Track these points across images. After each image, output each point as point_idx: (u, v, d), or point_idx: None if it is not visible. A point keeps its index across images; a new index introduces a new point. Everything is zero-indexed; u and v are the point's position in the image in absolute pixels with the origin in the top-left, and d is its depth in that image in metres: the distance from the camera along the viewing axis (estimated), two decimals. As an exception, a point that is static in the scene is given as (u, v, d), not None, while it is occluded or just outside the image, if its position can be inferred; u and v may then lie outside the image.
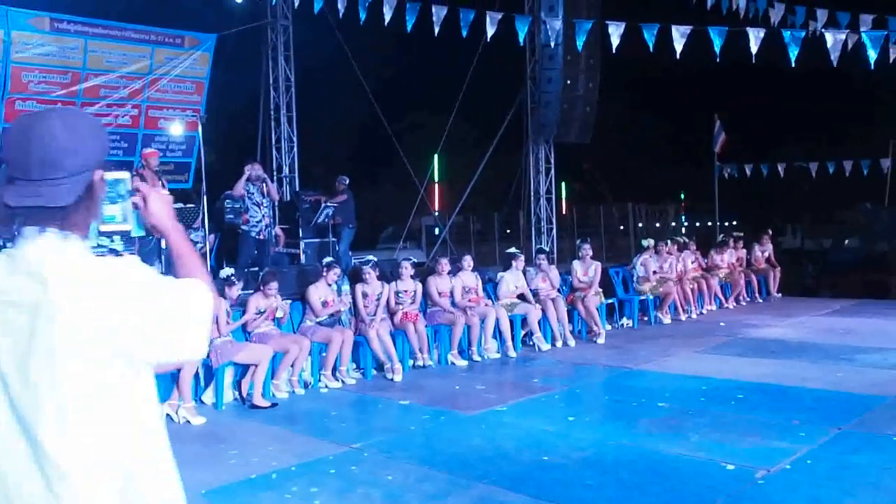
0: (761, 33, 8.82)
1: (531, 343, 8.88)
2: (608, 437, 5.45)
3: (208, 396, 6.77)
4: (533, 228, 14.62)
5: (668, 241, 11.26)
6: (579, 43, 9.89)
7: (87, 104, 11.86)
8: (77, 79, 11.68)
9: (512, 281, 9.11)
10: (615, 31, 9.00)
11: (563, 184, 21.84)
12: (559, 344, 9.00)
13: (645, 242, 10.93)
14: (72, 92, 11.69)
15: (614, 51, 9.23)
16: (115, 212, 1.61)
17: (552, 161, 14.54)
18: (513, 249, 9.64)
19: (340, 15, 9.57)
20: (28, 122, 1.50)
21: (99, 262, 1.50)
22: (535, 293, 9.29)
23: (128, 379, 1.49)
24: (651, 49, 8.93)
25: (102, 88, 11.96)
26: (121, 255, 1.65)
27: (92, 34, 11.73)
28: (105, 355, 1.44)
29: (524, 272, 9.28)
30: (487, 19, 9.26)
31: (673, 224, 27.39)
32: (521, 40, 9.98)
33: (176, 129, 12.62)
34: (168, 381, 6.47)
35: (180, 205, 8.40)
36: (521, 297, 9.15)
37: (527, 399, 6.68)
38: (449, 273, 8.59)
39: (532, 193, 14.54)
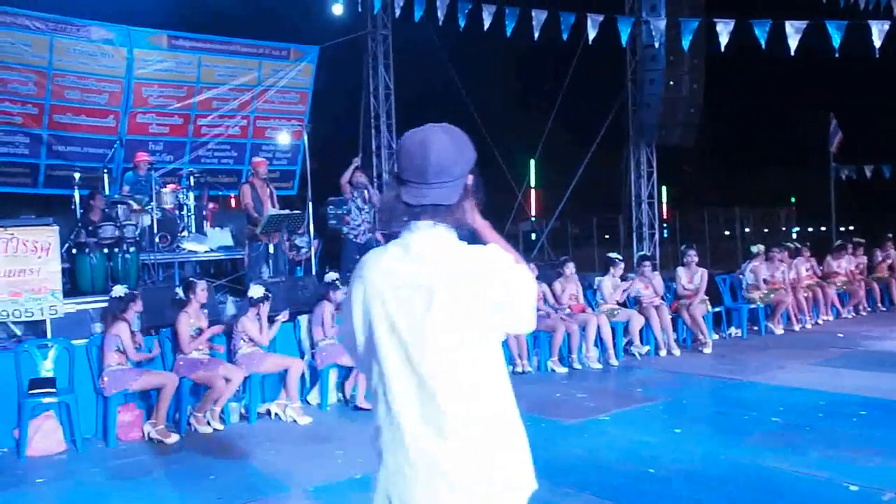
0: (885, 26, 8.33)
1: (633, 351, 8.69)
2: (716, 451, 5.25)
3: (314, 397, 6.95)
4: (634, 234, 14.32)
5: (780, 247, 10.79)
6: (685, 42, 9.62)
7: (201, 116, 12.48)
8: (192, 92, 12.28)
9: (612, 287, 8.95)
10: (723, 29, 8.70)
11: (665, 187, 21.27)
12: (663, 353, 8.77)
13: (755, 248, 10.48)
14: (187, 105, 12.30)
15: (722, 49, 8.93)
16: None
17: (654, 164, 14.21)
18: (613, 254, 9.45)
19: (440, 22, 9.66)
20: (421, 137, 1.86)
21: (473, 250, 1.87)
22: (638, 300, 9.09)
23: (488, 342, 1.86)
24: (763, 46, 8.58)
25: (214, 101, 12.54)
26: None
27: (205, 49, 12.31)
28: (475, 324, 1.81)
29: (623, 278, 9.09)
30: (588, 21, 9.15)
31: (783, 229, 26.22)
32: (623, 42, 9.81)
33: (283, 138, 13.08)
34: (276, 382, 6.69)
35: (287, 211, 8.65)
36: (623, 303, 8.98)
37: (629, 409, 6.54)
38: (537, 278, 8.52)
39: (633, 198, 14.25)
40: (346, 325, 2.01)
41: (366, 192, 9.43)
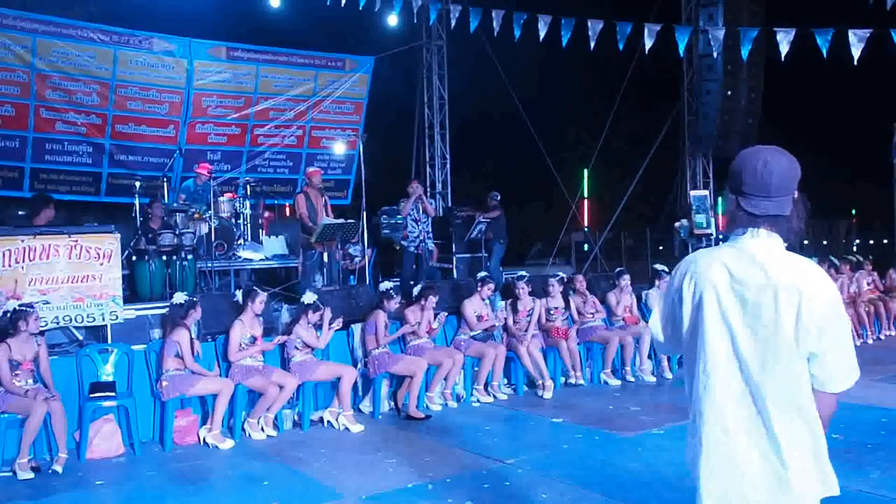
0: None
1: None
2: (777, 468, 5.09)
3: (366, 405, 6.98)
4: (689, 246, 14.05)
5: (840, 260, 10.48)
6: (744, 52, 9.43)
7: (258, 126, 12.70)
8: (249, 102, 12.52)
9: (659, 299, 8.77)
10: (784, 38, 8.51)
11: (720, 198, 20.89)
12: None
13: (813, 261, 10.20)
14: (244, 115, 12.54)
15: (783, 58, 8.73)
16: (701, 219, 2.50)
17: (710, 175, 13.96)
18: (659, 266, 9.26)
19: (495, 33, 9.66)
20: (764, 156, 2.13)
21: (802, 262, 2.13)
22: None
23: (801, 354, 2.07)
24: (825, 55, 8.36)
25: (271, 111, 12.76)
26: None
27: (263, 60, 12.54)
28: (798, 331, 2.03)
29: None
30: (646, 31, 9.04)
31: (843, 241, 25.49)
32: (681, 51, 9.67)
33: (339, 147, 13.23)
34: (329, 390, 6.74)
35: (341, 220, 8.72)
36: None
37: (685, 423, 6.36)
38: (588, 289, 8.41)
39: (689, 208, 14.00)
40: (667, 310, 2.33)
41: (420, 203, 9.46)
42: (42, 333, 5.84)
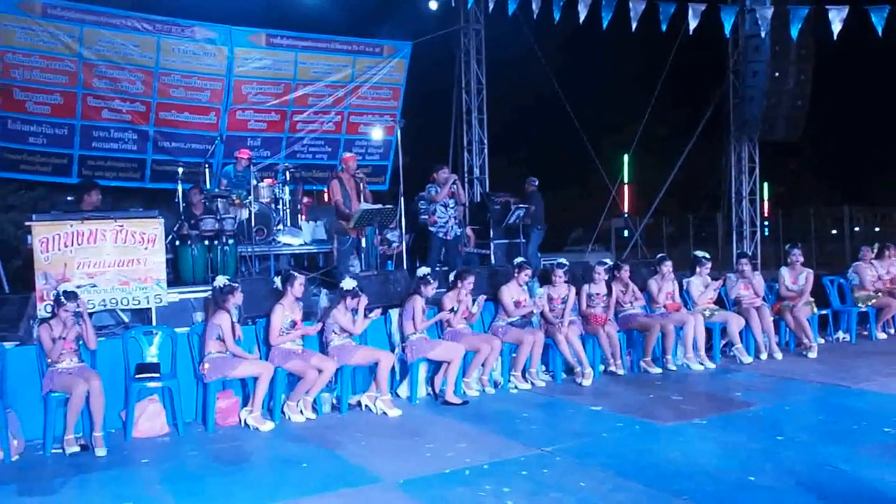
0: None
1: (731, 354, 8.38)
2: (823, 462, 4.97)
3: (403, 390, 7.01)
4: (734, 232, 13.83)
5: (893, 246, 10.14)
6: (793, 31, 9.13)
7: (297, 112, 12.77)
8: (288, 89, 12.58)
9: (702, 286, 8.63)
10: (836, 17, 8.23)
11: (766, 184, 20.47)
12: (763, 356, 8.41)
13: (865, 248, 9.92)
14: (284, 101, 12.61)
15: (835, 38, 8.44)
16: None
17: (756, 160, 13.68)
18: (699, 253, 9.09)
19: (535, 15, 9.53)
20: None
21: None
22: (738, 301, 8.76)
23: None
24: (880, 34, 8.07)
25: (310, 97, 12.82)
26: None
27: (302, 47, 12.58)
28: None
29: (714, 278, 8.74)
30: (689, 11, 8.83)
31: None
32: (726, 32, 9.43)
33: (377, 133, 13.24)
34: (367, 374, 6.78)
35: (379, 205, 8.73)
36: (721, 304, 8.67)
37: (728, 413, 6.29)
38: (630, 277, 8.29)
39: (732, 194, 13.76)
40: None
41: (453, 188, 9.41)
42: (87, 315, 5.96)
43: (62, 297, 5.71)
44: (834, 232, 22.10)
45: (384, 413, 6.40)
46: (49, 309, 6.12)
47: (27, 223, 6.60)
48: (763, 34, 11.07)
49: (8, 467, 5.31)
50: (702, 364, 8.06)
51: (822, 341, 9.13)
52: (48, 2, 10.63)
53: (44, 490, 4.83)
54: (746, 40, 12.55)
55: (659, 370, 7.92)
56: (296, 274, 6.61)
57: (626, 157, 17.08)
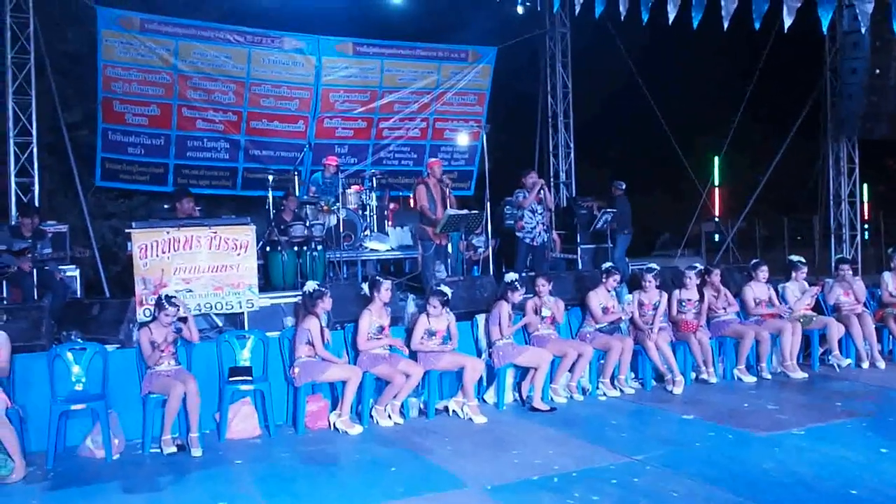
0: None
1: (830, 362, 8.02)
2: (934, 476, 4.71)
3: (490, 396, 6.98)
4: (832, 235, 13.25)
5: None
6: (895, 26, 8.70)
7: (383, 119, 12.97)
8: (374, 96, 12.79)
9: (798, 292, 8.28)
10: (944, 9, 7.77)
11: (866, 185, 19.54)
12: (865, 365, 8.02)
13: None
14: (370, 109, 12.82)
15: (943, 31, 8.00)
16: None
17: (856, 160, 13.08)
18: (794, 257, 8.73)
19: (622, 17, 9.36)
20: None
21: None
22: (837, 307, 8.38)
23: None
24: None
25: (396, 104, 12.99)
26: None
27: (388, 55, 12.77)
28: None
29: (810, 283, 8.38)
30: (785, 8, 8.49)
31: None
32: (824, 28, 9.02)
33: (462, 139, 13.31)
34: (454, 380, 6.79)
35: (465, 211, 8.76)
36: (820, 310, 8.31)
37: (827, 424, 6.02)
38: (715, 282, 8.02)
39: (830, 196, 13.19)
40: None
41: (540, 193, 9.35)
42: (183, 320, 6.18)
43: (164, 302, 5.93)
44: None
45: (471, 419, 6.40)
46: (148, 313, 6.39)
47: (127, 230, 6.91)
48: (863, 30, 10.56)
49: (110, 466, 5.55)
50: (799, 372, 7.74)
51: (931, 351, 8.64)
52: (146, 17, 11.14)
53: (146, 488, 5.02)
54: (844, 36, 12.04)
55: (753, 378, 7.65)
56: (381, 279, 6.68)
57: (716, 159, 16.59)
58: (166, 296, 5.99)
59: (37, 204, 10.02)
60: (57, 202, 12.39)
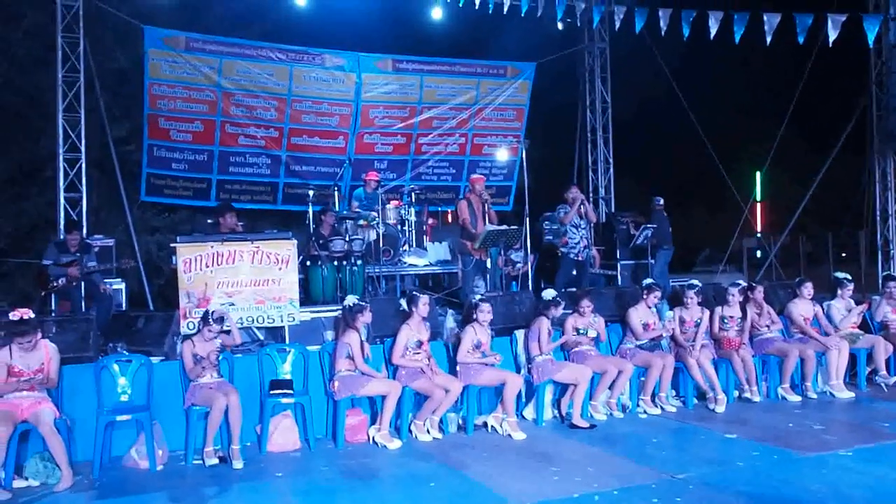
0: None
1: (878, 381, 7.83)
2: None
3: (529, 412, 6.95)
4: (879, 251, 12.96)
5: None
6: (944, 38, 8.57)
7: (422, 135, 13.06)
8: (414, 112, 12.89)
9: (845, 309, 8.11)
10: None
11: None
12: (915, 385, 7.82)
13: None
14: (409, 125, 12.93)
15: None
16: None
17: (903, 175, 12.79)
18: (840, 274, 8.55)
19: (663, 32, 9.34)
20: None
21: None
22: (885, 325, 8.19)
23: None
24: None
25: (435, 120, 13.08)
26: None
27: (427, 71, 12.88)
28: None
29: (857, 301, 8.20)
30: (829, 22, 8.41)
31: None
32: (870, 42, 8.93)
33: (501, 154, 13.33)
34: (493, 395, 6.77)
35: (505, 226, 8.76)
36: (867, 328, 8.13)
37: (875, 445, 5.87)
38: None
39: (877, 212, 12.92)
40: None
41: (581, 207, 9.31)
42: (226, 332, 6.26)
43: (210, 318, 6.02)
44: None
45: (510, 435, 6.37)
46: (192, 326, 6.49)
47: (172, 244, 7.04)
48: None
49: (154, 476, 5.64)
50: (846, 392, 7.57)
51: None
52: (191, 36, 11.40)
53: (191, 499, 5.09)
54: (891, 49, 11.82)
55: (798, 398, 7.50)
56: (418, 294, 6.70)
57: (758, 174, 16.35)
58: (213, 312, 6.08)
59: (83, 219, 10.27)
60: (103, 217, 12.68)
